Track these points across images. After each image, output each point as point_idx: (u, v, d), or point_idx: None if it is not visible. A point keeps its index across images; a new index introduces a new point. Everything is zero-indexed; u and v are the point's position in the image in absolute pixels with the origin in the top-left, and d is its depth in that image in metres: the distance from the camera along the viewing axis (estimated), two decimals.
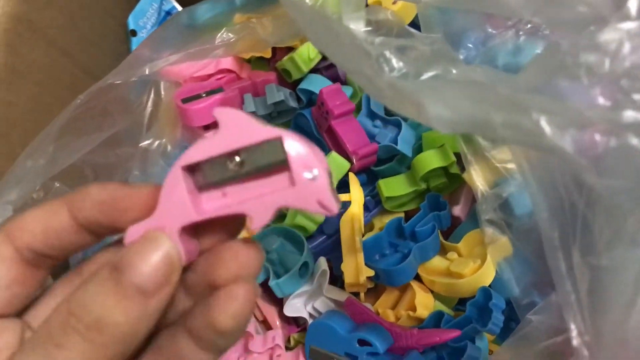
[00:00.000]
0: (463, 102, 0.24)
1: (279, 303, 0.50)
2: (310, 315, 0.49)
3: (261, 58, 0.59)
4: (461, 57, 0.45)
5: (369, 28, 0.30)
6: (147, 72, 0.46)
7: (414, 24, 0.53)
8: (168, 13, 0.72)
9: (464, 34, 0.46)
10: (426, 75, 0.28)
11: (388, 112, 0.55)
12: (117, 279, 0.20)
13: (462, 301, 0.49)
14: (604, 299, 0.27)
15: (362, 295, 0.50)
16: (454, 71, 0.28)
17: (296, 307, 0.48)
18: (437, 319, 0.47)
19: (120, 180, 0.50)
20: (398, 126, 0.53)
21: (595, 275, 0.27)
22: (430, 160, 0.49)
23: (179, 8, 0.72)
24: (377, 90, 0.27)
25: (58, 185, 0.45)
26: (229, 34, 0.49)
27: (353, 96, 0.56)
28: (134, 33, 0.70)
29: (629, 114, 0.23)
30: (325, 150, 0.55)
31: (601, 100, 0.24)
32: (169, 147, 0.52)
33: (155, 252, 0.21)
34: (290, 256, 0.48)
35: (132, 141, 0.50)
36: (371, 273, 0.48)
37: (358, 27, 0.30)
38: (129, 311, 0.20)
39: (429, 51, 0.29)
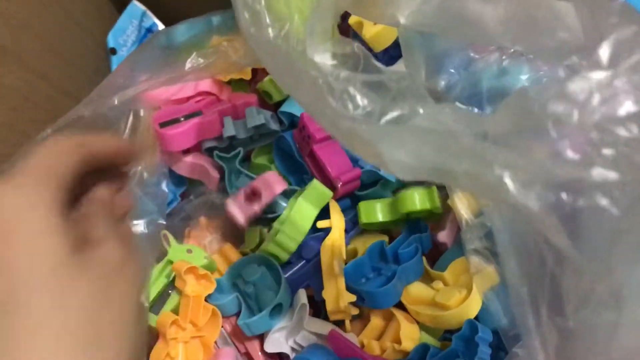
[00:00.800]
0: (424, 149, 0.23)
1: (261, 336, 0.49)
2: (293, 349, 0.47)
3: (241, 80, 0.58)
4: (442, 82, 0.43)
5: (335, 62, 0.29)
6: (116, 103, 0.44)
7: (397, 45, 0.53)
8: (149, 30, 0.70)
9: (446, 57, 0.44)
10: (391, 115, 0.27)
11: None
12: None
13: (450, 330, 0.47)
14: None
15: (347, 323, 0.48)
16: (421, 110, 0.26)
17: (277, 342, 0.47)
18: (422, 352, 0.45)
19: None
20: None
21: (563, 337, 0.26)
22: (414, 201, 0.48)
23: (160, 25, 0.70)
24: (338, 133, 0.25)
25: None
26: (199, 59, 0.47)
27: None
28: (113, 51, 0.68)
29: (598, 172, 0.22)
30: (308, 175, 0.53)
31: (570, 154, 0.23)
32: (145, 175, 0.50)
33: None
34: (266, 293, 0.46)
35: None
36: (353, 298, 0.47)
37: (323, 60, 0.28)
38: None
39: (396, 88, 0.28)
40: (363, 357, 0.44)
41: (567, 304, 0.25)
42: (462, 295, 0.45)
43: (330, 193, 0.48)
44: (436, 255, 0.50)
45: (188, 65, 0.48)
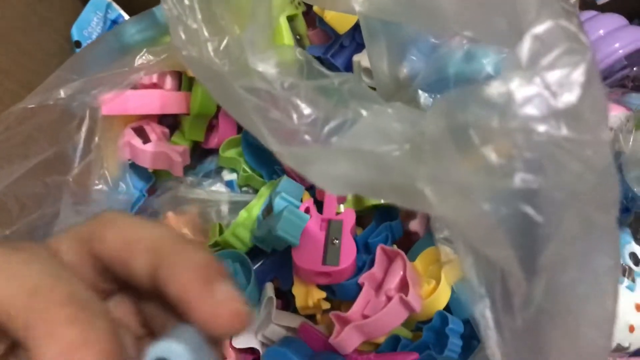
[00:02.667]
0: (353, 170, 0.23)
1: None
2: (263, 344, 0.46)
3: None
4: (405, 70, 0.42)
5: (278, 69, 0.28)
6: (62, 95, 0.43)
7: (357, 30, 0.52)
8: (114, 22, 0.68)
9: (410, 44, 0.43)
10: (334, 122, 0.26)
11: None
12: None
13: (423, 321, 0.47)
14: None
15: (318, 317, 0.48)
16: (364, 112, 0.26)
17: (246, 337, 0.46)
18: (394, 343, 0.44)
19: (51, 211, 0.47)
20: None
21: (514, 336, 0.26)
22: None
23: (126, 16, 0.68)
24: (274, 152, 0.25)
25: None
26: (149, 56, 0.46)
27: None
28: (78, 44, 0.66)
29: (520, 179, 0.21)
30: (279, 167, 0.52)
31: (495, 159, 0.22)
32: (107, 173, 0.49)
33: None
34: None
35: (63, 169, 0.47)
36: (322, 295, 0.46)
37: (267, 69, 0.28)
38: None
39: (340, 91, 0.28)
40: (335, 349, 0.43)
41: (514, 304, 0.25)
42: (431, 287, 0.44)
43: (302, 187, 0.48)
44: (407, 245, 0.50)
45: (138, 62, 0.47)
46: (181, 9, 0.29)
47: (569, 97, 0.22)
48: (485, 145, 0.21)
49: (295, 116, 0.27)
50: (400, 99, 0.43)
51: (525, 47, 0.22)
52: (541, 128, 0.21)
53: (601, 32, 0.52)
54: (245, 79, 0.27)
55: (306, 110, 0.27)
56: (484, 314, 0.26)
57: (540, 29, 0.23)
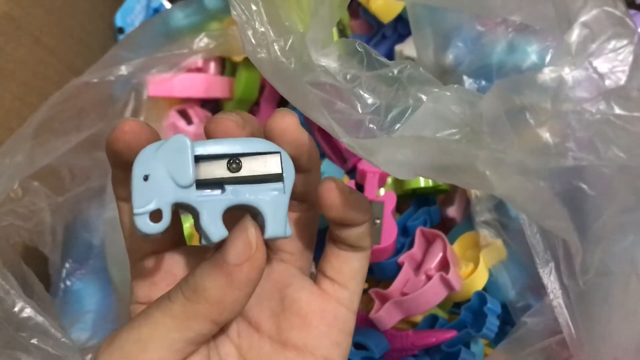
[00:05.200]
0: (417, 154, 0.25)
1: None
2: None
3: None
4: (451, 57, 0.44)
5: (340, 63, 0.30)
6: (124, 72, 0.44)
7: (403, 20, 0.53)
8: (156, 10, 0.70)
9: (455, 32, 0.45)
10: (396, 110, 0.28)
11: None
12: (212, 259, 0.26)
13: (458, 304, 0.47)
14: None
15: None
16: (424, 97, 0.28)
17: None
18: (431, 322, 0.45)
19: (97, 184, 0.48)
20: None
21: (577, 298, 0.27)
22: (418, 179, 0.48)
23: (168, 5, 0.70)
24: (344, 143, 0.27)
25: (36, 184, 0.43)
26: (207, 39, 0.48)
27: None
28: (121, 31, 0.68)
29: (572, 156, 0.23)
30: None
31: (550, 139, 0.23)
32: None
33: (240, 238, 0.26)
34: None
35: None
36: None
37: (329, 63, 0.30)
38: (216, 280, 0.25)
39: (400, 79, 0.30)
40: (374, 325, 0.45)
41: (575, 268, 0.26)
42: (469, 269, 0.45)
43: (341, 171, 0.49)
44: (445, 230, 0.50)
45: (197, 45, 0.48)
46: (249, 14, 0.30)
47: (618, 79, 0.24)
48: (541, 126, 0.23)
49: (359, 106, 0.28)
50: (445, 85, 0.45)
51: (574, 34, 0.24)
52: (592, 108, 0.23)
53: None
54: (310, 75, 0.29)
55: (369, 99, 0.28)
56: (550, 277, 0.28)
57: (587, 15, 0.24)
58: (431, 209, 0.49)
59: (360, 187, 0.50)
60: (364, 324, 0.45)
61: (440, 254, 0.45)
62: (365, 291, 0.47)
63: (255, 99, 0.57)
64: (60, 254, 0.47)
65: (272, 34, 0.30)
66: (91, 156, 0.50)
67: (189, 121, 0.56)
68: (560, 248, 0.28)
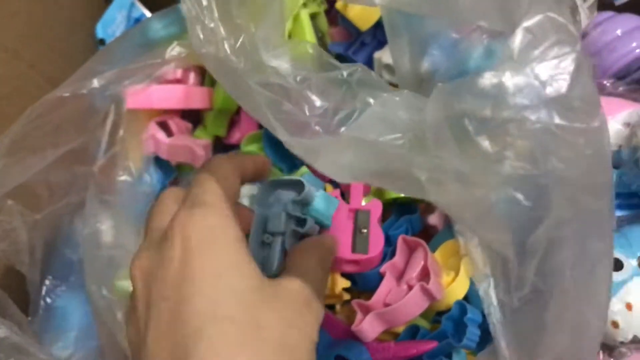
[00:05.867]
0: (358, 157, 0.25)
1: None
2: None
3: None
4: (426, 64, 0.43)
5: (291, 64, 0.30)
6: (96, 85, 0.44)
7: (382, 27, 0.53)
8: (137, 20, 0.70)
9: (431, 38, 0.44)
10: (344, 112, 0.28)
11: None
12: None
13: (441, 313, 0.47)
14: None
15: (338, 307, 0.48)
16: (372, 101, 0.28)
17: None
18: (412, 333, 0.45)
19: (76, 199, 0.48)
20: None
21: (513, 315, 0.27)
22: None
23: (149, 15, 0.70)
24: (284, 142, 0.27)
25: (11, 202, 0.43)
26: (180, 48, 0.48)
27: None
28: (102, 42, 0.68)
29: (510, 165, 0.22)
30: (300, 161, 0.53)
31: (488, 146, 0.23)
32: (132, 168, 0.50)
33: None
34: None
35: (89, 159, 0.49)
36: (348, 284, 0.47)
37: (280, 63, 0.29)
38: None
39: (349, 82, 0.30)
40: (356, 337, 0.44)
41: (511, 284, 0.26)
42: (450, 278, 0.45)
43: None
44: (427, 238, 0.50)
45: (169, 54, 0.48)
46: (199, 8, 0.30)
47: (559, 87, 0.24)
48: (480, 134, 0.23)
49: (306, 108, 0.28)
50: (422, 93, 0.44)
51: (517, 40, 0.23)
52: (532, 117, 0.23)
53: (618, 32, 0.53)
54: (259, 75, 0.29)
55: (317, 102, 0.28)
56: (488, 293, 0.27)
57: (530, 21, 0.24)
58: (412, 217, 0.49)
59: (344, 196, 0.49)
60: (347, 336, 0.45)
61: (422, 263, 0.45)
62: (347, 302, 0.47)
63: (236, 108, 0.57)
64: (40, 272, 0.47)
65: (222, 31, 0.30)
66: (70, 171, 0.50)
67: (169, 134, 0.55)
68: (499, 262, 0.28)
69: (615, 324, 0.43)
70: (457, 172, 0.23)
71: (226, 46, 0.31)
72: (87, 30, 0.68)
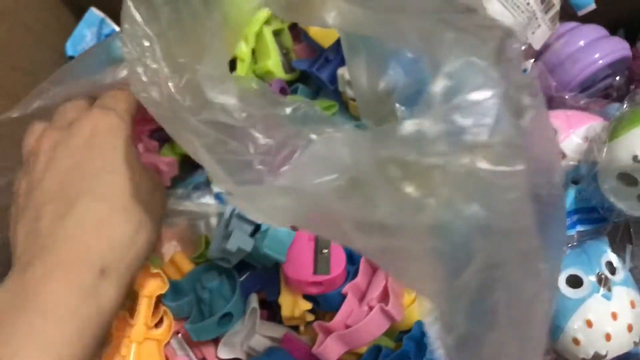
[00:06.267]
0: (293, 203, 0.25)
1: (218, 340, 0.49)
2: (247, 354, 0.47)
3: None
4: (383, 84, 0.43)
5: (236, 100, 0.30)
6: (35, 106, 0.44)
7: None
8: (108, 37, 0.69)
9: (389, 58, 0.44)
10: (287, 149, 0.28)
11: None
12: None
13: (405, 331, 0.47)
14: None
15: (302, 328, 0.48)
16: (314, 137, 0.27)
17: (231, 347, 0.46)
18: (375, 354, 0.45)
19: None
20: None
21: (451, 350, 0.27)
22: None
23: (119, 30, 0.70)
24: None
25: None
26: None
27: None
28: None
29: (431, 213, 0.23)
30: None
31: (411, 194, 0.23)
32: None
33: None
34: (219, 301, 0.46)
35: None
36: (309, 306, 0.47)
37: (226, 100, 0.29)
38: None
39: (293, 118, 0.29)
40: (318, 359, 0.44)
41: (445, 326, 0.26)
42: (411, 297, 0.45)
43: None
44: None
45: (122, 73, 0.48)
46: (141, 50, 0.30)
47: (480, 132, 0.23)
48: (404, 180, 0.22)
49: (251, 146, 0.28)
50: (380, 112, 0.44)
51: (438, 85, 0.23)
52: (454, 163, 0.22)
53: (581, 42, 0.53)
54: (205, 113, 0.29)
55: (261, 140, 0.29)
56: (430, 328, 0.27)
57: (451, 66, 0.24)
58: None
59: None
60: (308, 358, 0.45)
61: (383, 283, 0.45)
62: (311, 323, 0.47)
63: None
64: None
65: (166, 70, 0.30)
66: None
67: None
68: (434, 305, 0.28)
69: (576, 341, 0.43)
70: (380, 221, 0.23)
71: (170, 85, 0.31)
72: (57, 48, 0.68)
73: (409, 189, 0.23)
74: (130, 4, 0.32)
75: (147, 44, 0.31)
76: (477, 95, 0.23)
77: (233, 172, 0.28)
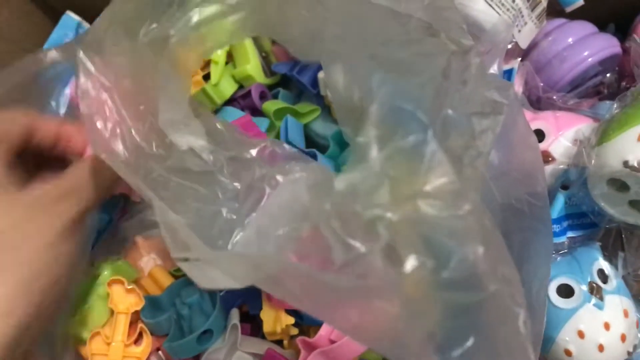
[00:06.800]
0: (252, 266, 0.24)
1: (199, 357, 0.48)
2: None
3: None
4: (358, 90, 0.41)
5: (203, 141, 0.29)
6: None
7: None
8: None
9: (366, 65, 0.42)
10: (254, 195, 0.29)
11: (307, 144, 0.51)
12: None
13: None
14: None
15: (285, 342, 0.47)
16: (279, 178, 0.28)
17: None
18: None
19: None
20: (315, 158, 0.49)
21: None
22: None
23: None
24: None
25: None
26: None
27: (270, 129, 0.52)
28: None
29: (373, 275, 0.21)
30: None
31: (359, 247, 0.22)
32: None
33: None
34: (199, 317, 0.45)
35: None
36: (291, 321, 0.45)
37: (194, 143, 0.29)
38: None
39: (258, 159, 0.29)
40: None
41: None
42: None
43: None
44: None
45: None
46: (99, 103, 0.29)
47: (416, 181, 0.22)
48: (347, 233, 0.21)
49: (219, 192, 0.28)
50: (355, 118, 0.43)
51: (369, 134, 0.22)
52: (394, 214, 0.21)
53: (570, 40, 0.51)
54: (170, 160, 0.28)
55: (229, 185, 0.29)
56: None
57: (380, 112, 0.23)
58: None
59: None
60: None
61: None
62: (293, 337, 0.46)
63: None
64: None
65: (127, 120, 0.29)
66: None
67: None
68: None
69: (568, 353, 0.41)
70: (327, 282, 0.21)
71: (134, 133, 0.30)
72: (32, 52, 0.66)
73: (356, 244, 0.22)
74: (82, 54, 0.30)
75: (104, 95, 0.30)
76: (407, 143, 0.22)
77: (200, 227, 0.28)
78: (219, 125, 0.30)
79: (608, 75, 0.55)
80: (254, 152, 0.29)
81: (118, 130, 0.30)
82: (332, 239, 0.22)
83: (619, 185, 0.39)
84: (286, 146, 0.30)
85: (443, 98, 0.23)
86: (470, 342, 0.22)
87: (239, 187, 0.28)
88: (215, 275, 0.24)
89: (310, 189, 0.25)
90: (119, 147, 0.30)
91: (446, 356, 0.22)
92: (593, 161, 0.40)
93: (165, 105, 0.30)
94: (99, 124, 0.30)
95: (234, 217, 0.27)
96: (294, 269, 0.22)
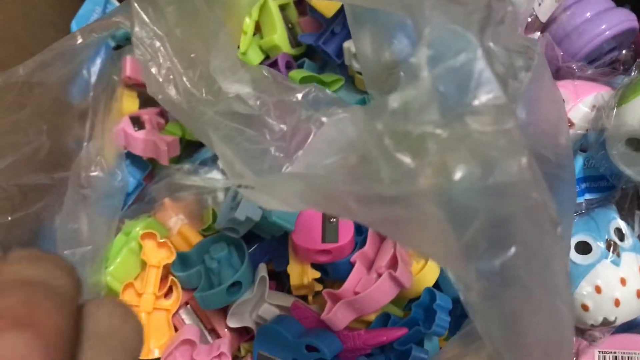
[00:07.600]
0: (306, 188, 0.25)
1: (226, 311, 0.49)
2: (257, 323, 0.47)
3: None
4: (388, 54, 0.43)
5: (250, 88, 0.30)
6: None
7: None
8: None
9: (395, 28, 0.44)
10: (300, 135, 0.30)
11: None
12: None
13: (413, 300, 0.47)
14: None
15: (310, 298, 0.48)
16: (324, 119, 0.30)
17: (240, 316, 0.47)
18: (384, 320, 0.45)
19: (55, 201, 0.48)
20: None
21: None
22: None
23: None
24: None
25: None
26: None
27: None
28: None
29: (427, 179, 0.23)
30: None
31: (406, 163, 0.23)
32: (104, 163, 0.50)
33: None
34: (228, 270, 0.46)
35: (63, 158, 0.49)
36: (317, 274, 0.47)
37: (240, 89, 0.30)
38: None
39: (304, 102, 0.30)
40: (327, 326, 0.44)
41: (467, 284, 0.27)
42: (419, 265, 0.45)
43: None
44: None
45: None
46: (152, 50, 0.31)
47: (464, 96, 0.23)
48: (399, 151, 0.23)
49: (267, 133, 0.29)
50: (386, 83, 0.44)
51: (420, 55, 0.23)
52: (443, 129, 0.22)
53: (588, 14, 0.53)
54: (221, 104, 0.29)
55: (276, 126, 0.30)
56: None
57: (430, 35, 0.24)
58: None
59: None
60: (317, 325, 0.45)
61: (391, 251, 0.45)
62: (318, 292, 0.47)
63: None
64: None
65: (179, 67, 0.31)
66: (48, 175, 0.50)
67: (141, 128, 0.55)
68: None
69: (585, 307, 0.43)
70: (382, 192, 0.23)
71: (185, 80, 0.32)
72: (61, 27, 0.68)
73: (405, 159, 0.23)
74: (136, 5, 0.32)
75: (158, 44, 0.32)
76: (457, 62, 0.23)
77: (251, 163, 0.29)
78: (265, 72, 0.32)
79: (624, 52, 0.56)
80: (299, 95, 0.31)
81: (171, 76, 0.32)
82: (382, 158, 0.23)
83: (636, 144, 0.41)
84: (329, 92, 0.32)
85: (486, 29, 0.25)
86: (511, 252, 0.24)
87: (285, 129, 0.30)
88: (269, 199, 0.26)
89: (354, 124, 0.26)
90: (172, 91, 0.31)
91: (487, 265, 0.24)
92: (612, 122, 0.41)
93: (216, 53, 0.32)
94: (154, 70, 0.32)
95: (282, 155, 0.29)
96: (347, 184, 0.24)
